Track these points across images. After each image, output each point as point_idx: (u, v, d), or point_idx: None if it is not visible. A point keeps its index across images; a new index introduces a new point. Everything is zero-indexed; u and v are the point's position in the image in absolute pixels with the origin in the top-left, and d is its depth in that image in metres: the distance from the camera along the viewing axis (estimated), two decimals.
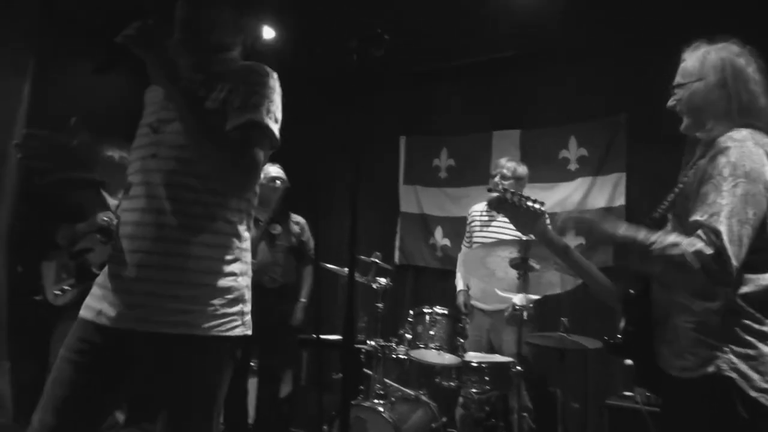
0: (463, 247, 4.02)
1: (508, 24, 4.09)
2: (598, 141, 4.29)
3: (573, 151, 4.41)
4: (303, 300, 3.95)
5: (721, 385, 1.37)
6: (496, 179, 3.59)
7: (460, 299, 3.84)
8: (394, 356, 3.41)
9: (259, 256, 3.63)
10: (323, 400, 3.68)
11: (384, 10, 3.89)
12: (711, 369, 1.39)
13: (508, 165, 3.65)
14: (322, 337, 4.04)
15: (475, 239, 3.73)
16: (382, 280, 3.54)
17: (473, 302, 3.71)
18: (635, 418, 2.97)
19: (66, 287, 3.14)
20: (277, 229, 3.69)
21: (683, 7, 3.61)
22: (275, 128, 1.49)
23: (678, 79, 1.58)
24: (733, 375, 1.36)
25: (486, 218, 3.72)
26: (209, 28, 1.53)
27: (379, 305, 3.51)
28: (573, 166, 4.41)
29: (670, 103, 1.60)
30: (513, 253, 2.75)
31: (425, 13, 3.99)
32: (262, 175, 3.79)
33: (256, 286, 3.92)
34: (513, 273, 2.77)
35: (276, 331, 3.77)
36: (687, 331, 1.45)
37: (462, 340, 3.13)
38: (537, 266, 2.78)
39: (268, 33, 4.28)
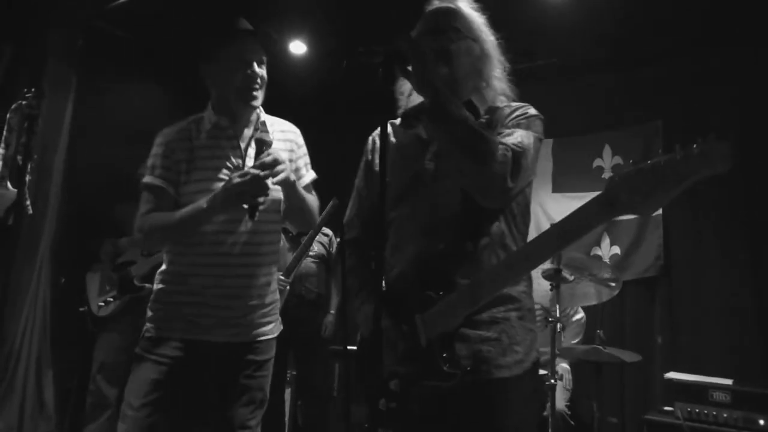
0: None
1: (536, 33, 4.04)
2: (633, 148, 4.21)
3: (607, 160, 4.34)
4: (332, 312, 3.96)
5: None
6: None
7: None
8: None
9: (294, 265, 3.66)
10: (354, 411, 3.67)
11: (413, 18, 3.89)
12: None
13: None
14: (351, 348, 4.04)
15: None
16: None
17: None
18: None
19: (109, 299, 3.25)
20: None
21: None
22: None
23: None
24: None
25: None
26: None
27: None
28: (607, 175, 4.33)
29: None
30: (546, 263, 2.72)
31: None
32: None
33: (294, 296, 3.93)
34: (545, 284, 2.74)
35: (312, 341, 3.80)
36: None
37: None
38: (570, 278, 2.74)
39: (300, 48, 4.35)
